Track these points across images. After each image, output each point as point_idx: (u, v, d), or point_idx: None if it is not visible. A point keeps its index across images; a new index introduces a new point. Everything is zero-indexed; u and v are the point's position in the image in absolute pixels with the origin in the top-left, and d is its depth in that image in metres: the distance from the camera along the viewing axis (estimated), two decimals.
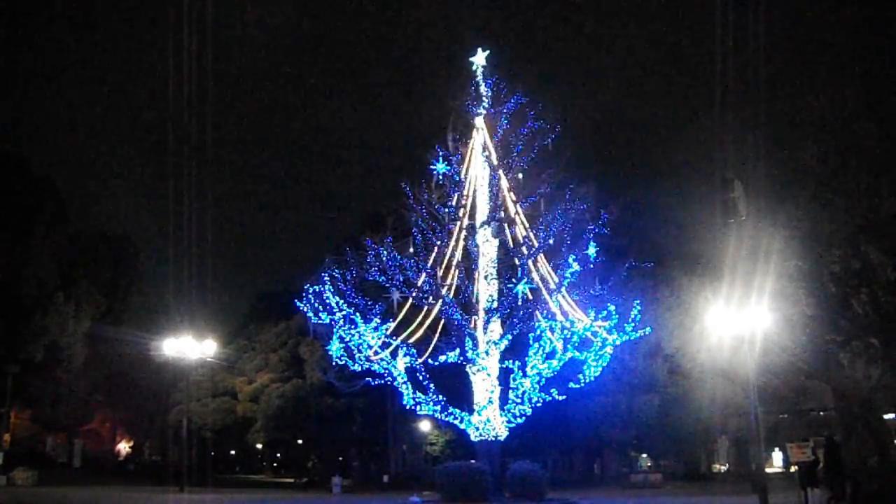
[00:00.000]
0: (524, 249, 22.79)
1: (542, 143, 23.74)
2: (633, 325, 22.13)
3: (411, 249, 22.78)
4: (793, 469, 25.68)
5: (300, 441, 59.84)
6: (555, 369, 22.56)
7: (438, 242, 23.32)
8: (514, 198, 23.90)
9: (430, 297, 22.69)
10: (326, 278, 22.14)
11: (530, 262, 22.78)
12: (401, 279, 22.44)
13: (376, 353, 22.29)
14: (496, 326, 22.91)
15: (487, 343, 22.75)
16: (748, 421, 26.08)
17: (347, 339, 21.99)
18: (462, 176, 24.21)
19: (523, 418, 23.08)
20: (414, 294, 22.68)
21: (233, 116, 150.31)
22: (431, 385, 22.64)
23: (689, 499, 34.82)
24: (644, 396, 45.90)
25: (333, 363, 23.21)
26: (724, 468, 56.47)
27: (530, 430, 27.06)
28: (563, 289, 22.61)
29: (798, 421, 40.74)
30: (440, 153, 23.94)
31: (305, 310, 22.42)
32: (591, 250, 22.41)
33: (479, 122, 24.80)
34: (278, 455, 71.93)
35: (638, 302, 22.43)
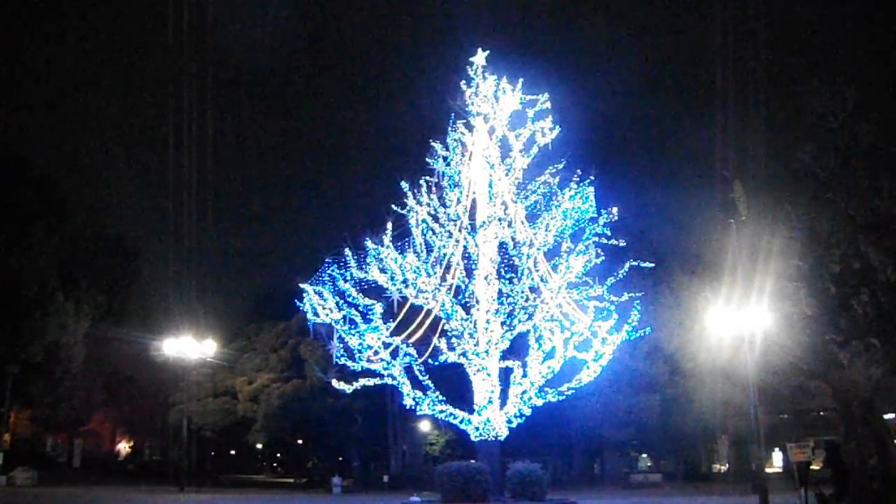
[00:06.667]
0: (524, 249, 22.78)
1: (542, 142, 23.77)
2: (633, 325, 22.12)
3: (411, 250, 22.77)
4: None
5: (300, 441, 59.91)
6: (555, 370, 22.55)
7: (438, 242, 23.32)
8: (513, 198, 23.88)
9: (430, 298, 22.68)
10: (326, 278, 22.12)
11: (530, 262, 22.77)
12: (401, 279, 22.44)
13: (376, 352, 22.27)
14: (496, 326, 22.89)
15: (487, 343, 22.74)
16: (748, 421, 26.04)
17: (347, 339, 21.99)
18: (462, 176, 24.20)
19: (523, 418, 23.05)
20: (414, 294, 22.67)
21: (233, 116, 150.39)
22: (431, 385, 22.62)
23: (688, 499, 34.85)
24: (644, 396, 45.89)
25: (333, 363, 23.20)
26: (724, 468, 56.44)
27: (530, 430, 27.03)
28: (562, 289, 22.61)
29: (798, 421, 40.68)
30: (440, 153, 23.95)
31: (305, 310, 22.40)
32: (592, 250, 22.41)
33: (478, 121, 24.77)
34: (278, 455, 72.00)
35: (638, 302, 22.41)
